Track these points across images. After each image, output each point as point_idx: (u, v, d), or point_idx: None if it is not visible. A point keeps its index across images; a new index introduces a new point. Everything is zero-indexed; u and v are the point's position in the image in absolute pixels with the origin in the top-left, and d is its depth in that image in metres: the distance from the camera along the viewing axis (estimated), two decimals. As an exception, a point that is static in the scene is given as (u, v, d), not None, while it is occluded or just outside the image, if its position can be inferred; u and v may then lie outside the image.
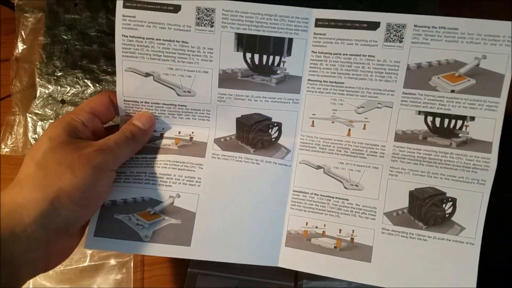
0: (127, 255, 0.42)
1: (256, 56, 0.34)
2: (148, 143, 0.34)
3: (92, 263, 0.42)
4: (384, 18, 0.32)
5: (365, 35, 0.33)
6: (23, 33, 0.45)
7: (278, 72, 0.34)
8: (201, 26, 0.33)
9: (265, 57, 0.34)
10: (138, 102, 0.34)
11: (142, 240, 0.33)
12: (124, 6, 0.32)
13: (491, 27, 0.32)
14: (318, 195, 0.34)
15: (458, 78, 0.33)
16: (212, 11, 0.32)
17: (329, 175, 0.34)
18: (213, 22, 0.33)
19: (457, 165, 0.33)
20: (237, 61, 0.33)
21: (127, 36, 0.33)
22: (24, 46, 0.45)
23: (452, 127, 0.33)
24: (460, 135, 0.33)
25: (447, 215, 0.33)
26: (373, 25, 0.33)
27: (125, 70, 0.33)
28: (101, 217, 0.33)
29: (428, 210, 0.33)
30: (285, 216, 0.34)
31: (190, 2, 0.32)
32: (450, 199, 0.33)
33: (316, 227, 0.34)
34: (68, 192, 0.28)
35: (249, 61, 0.34)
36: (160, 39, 0.33)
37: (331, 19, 0.33)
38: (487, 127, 0.33)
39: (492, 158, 0.32)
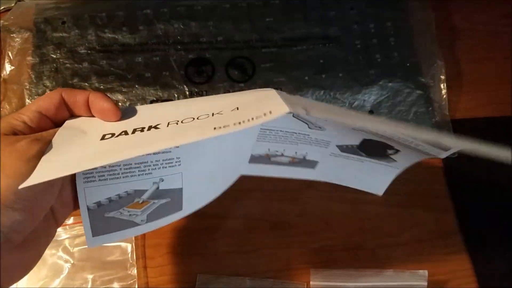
0: (130, 278, 0.41)
1: None
2: None
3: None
4: None
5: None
6: (10, 54, 0.46)
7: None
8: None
9: None
10: None
11: (139, 224, 0.34)
12: None
13: None
14: (282, 131, 0.37)
15: None
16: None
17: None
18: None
19: None
20: None
21: None
22: (12, 67, 0.46)
23: None
24: None
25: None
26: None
27: None
28: (92, 220, 0.33)
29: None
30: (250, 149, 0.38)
31: None
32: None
33: (276, 151, 0.39)
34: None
35: None
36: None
37: None
38: None
39: None
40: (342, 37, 0.49)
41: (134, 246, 0.43)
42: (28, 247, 0.27)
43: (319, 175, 0.41)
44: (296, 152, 0.39)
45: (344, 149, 0.39)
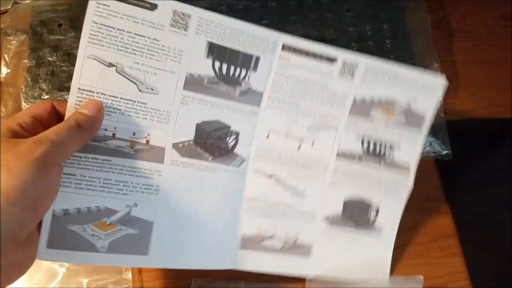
0: (125, 282, 0.42)
1: (225, 66, 0.36)
2: (99, 142, 0.33)
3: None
4: (341, 55, 0.38)
5: (323, 66, 0.38)
6: (6, 57, 0.46)
7: (243, 84, 0.37)
8: (175, 28, 0.34)
9: (232, 68, 0.36)
10: (93, 92, 0.33)
11: (98, 251, 0.33)
12: None
13: (427, 78, 0.39)
14: (267, 202, 0.38)
15: (393, 114, 0.39)
16: (189, 16, 0.34)
17: (279, 184, 0.39)
18: (187, 27, 0.34)
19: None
20: (205, 68, 0.35)
21: (97, 23, 0.32)
22: (8, 70, 0.45)
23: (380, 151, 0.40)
24: (386, 159, 0.40)
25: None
26: (331, 60, 0.38)
27: (87, 57, 0.32)
28: (53, 228, 0.32)
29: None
30: (239, 221, 0.38)
31: (168, 3, 0.33)
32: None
33: (267, 230, 0.39)
34: (6, 194, 0.25)
35: (217, 69, 0.36)
36: (131, 32, 0.33)
37: (296, 47, 0.37)
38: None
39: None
40: (338, 40, 0.49)
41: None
42: (28, 244, 0.29)
43: (316, 266, 0.40)
44: (287, 232, 0.39)
45: (332, 221, 0.40)
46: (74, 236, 0.33)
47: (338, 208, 0.40)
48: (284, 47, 0.37)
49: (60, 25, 0.46)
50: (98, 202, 0.33)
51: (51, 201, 0.30)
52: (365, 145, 0.39)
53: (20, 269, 0.28)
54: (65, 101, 0.33)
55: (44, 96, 0.45)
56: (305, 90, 0.38)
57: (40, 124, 0.31)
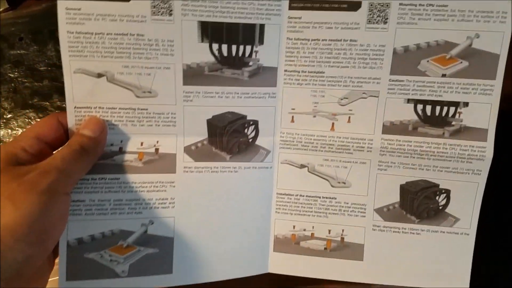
0: None
1: (224, 47, 0.30)
2: (105, 160, 0.31)
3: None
4: None
5: (345, 17, 0.29)
6: None
7: (251, 63, 0.31)
8: (158, 15, 0.29)
9: (234, 47, 0.31)
10: (91, 108, 0.30)
11: (120, 276, 0.31)
12: None
13: (484, 3, 0.28)
14: (303, 196, 0.33)
15: (450, 60, 0.29)
16: None
17: (314, 174, 0.32)
18: (172, 10, 0.29)
19: (450, 156, 0.30)
20: (203, 54, 0.30)
21: (72, 33, 0.29)
22: None
23: (445, 115, 0.30)
24: (453, 123, 0.30)
25: (440, 207, 0.31)
26: (354, 6, 0.29)
27: (74, 72, 0.29)
28: (70, 259, 0.30)
29: (420, 203, 0.31)
30: (271, 221, 0.33)
31: None
32: (443, 191, 0.31)
33: (304, 230, 0.33)
34: (11, 229, 0.23)
35: (216, 53, 0.31)
36: (111, 33, 0.29)
37: (306, 0, 0.30)
38: (482, 113, 0.30)
39: (488, 147, 0.30)
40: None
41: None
42: (38, 278, 0.27)
43: (371, 272, 0.33)
44: (330, 230, 0.33)
45: (385, 213, 0.32)
46: (92, 264, 0.31)
47: (393, 197, 0.32)
48: (292, 4, 0.30)
49: (21, 38, 0.42)
50: (112, 225, 0.31)
51: (60, 232, 0.28)
52: (419, 109, 0.30)
53: None
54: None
55: (7, 115, 0.42)
56: (328, 53, 0.30)
57: (45, 144, 0.29)
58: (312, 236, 0.33)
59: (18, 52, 0.42)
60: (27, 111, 0.42)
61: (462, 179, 0.31)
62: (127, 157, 0.31)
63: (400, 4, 0.29)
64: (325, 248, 0.33)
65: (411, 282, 0.32)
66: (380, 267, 0.32)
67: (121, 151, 0.31)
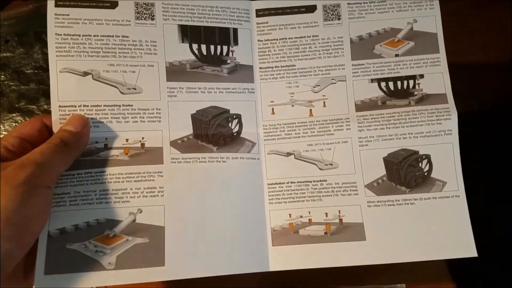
0: None
1: (203, 47, 0.33)
2: (90, 156, 0.30)
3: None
4: (319, 1, 0.34)
5: (305, 18, 0.34)
6: None
7: (228, 61, 0.34)
8: (142, 19, 0.32)
9: (212, 47, 0.33)
10: (75, 106, 0.30)
11: (106, 269, 0.28)
12: (56, 5, 0.31)
13: None
14: (295, 182, 0.33)
15: (398, 42, 0.34)
16: (152, 5, 0.32)
17: (301, 160, 0.33)
18: (154, 15, 0.32)
19: (421, 120, 0.33)
20: (184, 53, 0.33)
21: (60, 35, 0.31)
22: None
23: (406, 87, 0.34)
24: (415, 93, 0.34)
25: (426, 173, 0.33)
26: (311, 8, 0.35)
27: (60, 71, 0.30)
28: (50, 250, 0.28)
29: (406, 172, 0.33)
30: (266, 213, 0.32)
31: None
32: (424, 157, 0.33)
33: (301, 217, 0.32)
34: None
35: (196, 52, 0.33)
36: (97, 35, 0.31)
37: (270, 8, 0.34)
38: (437, 80, 0.34)
39: (451, 107, 0.33)
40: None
41: None
42: (16, 276, 0.27)
43: (376, 251, 0.31)
44: (327, 213, 0.33)
45: (376, 188, 0.33)
46: (75, 255, 0.28)
47: (380, 171, 0.33)
48: (258, 12, 0.34)
49: (7, 41, 0.42)
50: (97, 214, 0.29)
51: (40, 227, 0.27)
52: (383, 86, 0.34)
53: None
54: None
55: (-7, 118, 0.40)
56: (295, 48, 0.34)
57: (28, 144, 0.29)
58: (310, 222, 0.32)
59: (4, 54, 0.42)
60: (14, 114, 0.41)
61: (437, 141, 0.33)
62: (113, 152, 0.31)
63: (348, 3, 0.34)
64: (326, 233, 0.32)
65: (418, 257, 0.31)
66: (384, 245, 0.31)
67: (107, 148, 0.31)
